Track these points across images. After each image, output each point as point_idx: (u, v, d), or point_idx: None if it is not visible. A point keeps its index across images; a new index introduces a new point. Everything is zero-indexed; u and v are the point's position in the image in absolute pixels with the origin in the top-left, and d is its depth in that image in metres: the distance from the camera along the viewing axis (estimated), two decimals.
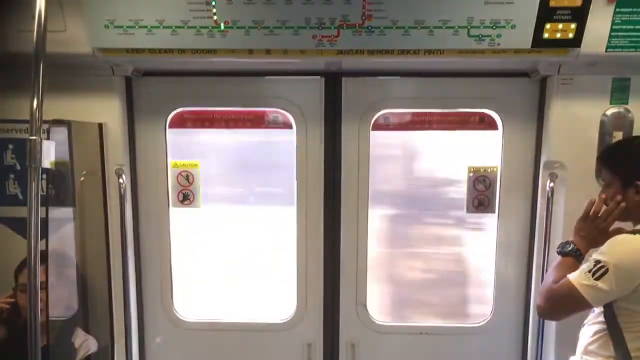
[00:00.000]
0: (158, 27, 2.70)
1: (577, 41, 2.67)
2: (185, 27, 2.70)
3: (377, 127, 3.25)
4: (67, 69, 2.88)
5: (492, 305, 3.36)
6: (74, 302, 3.16)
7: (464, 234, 3.49)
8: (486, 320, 3.38)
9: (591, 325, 2.46)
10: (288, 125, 3.26)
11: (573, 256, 2.49)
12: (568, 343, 2.64)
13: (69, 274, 3.18)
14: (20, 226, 2.95)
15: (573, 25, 2.62)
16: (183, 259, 3.49)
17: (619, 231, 2.44)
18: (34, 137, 2.08)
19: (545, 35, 2.65)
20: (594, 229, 2.49)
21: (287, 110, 3.23)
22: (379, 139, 3.27)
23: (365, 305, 3.38)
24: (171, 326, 3.47)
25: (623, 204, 2.40)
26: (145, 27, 2.70)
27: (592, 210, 2.50)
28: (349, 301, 3.38)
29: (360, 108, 3.19)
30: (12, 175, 3.10)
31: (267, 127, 3.36)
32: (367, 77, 3.17)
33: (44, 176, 2.46)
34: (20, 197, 3.08)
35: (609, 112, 2.92)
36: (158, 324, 3.48)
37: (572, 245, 2.51)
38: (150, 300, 3.45)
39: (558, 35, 2.65)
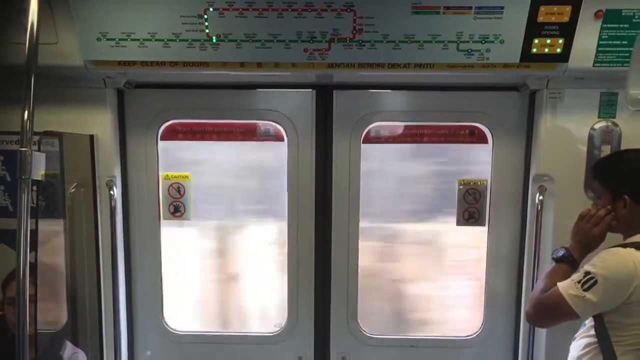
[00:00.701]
0: (150, 39, 2.71)
1: (565, 56, 2.70)
2: (177, 39, 2.71)
3: (368, 140, 3.26)
4: (59, 81, 2.89)
5: (482, 318, 3.36)
6: (63, 315, 3.13)
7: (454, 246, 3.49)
8: (477, 333, 3.37)
9: (582, 339, 2.47)
10: (279, 138, 3.27)
11: (566, 262, 2.50)
12: (558, 356, 2.67)
13: (58, 286, 3.14)
14: (9, 238, 2.92)
15: (561, 41, 2.66)
16: (174, 271, 3.47)
17: None
18: (24, 149, 2.08)
19: (534, 50, 2.69)
20: (585, 235, 2.50)
21: (278, 123, 3.24)
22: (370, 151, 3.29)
23: (356, 318, 3.37)
24: (162, 338, 3.44)
25: (613, 214, 2.44)
26: (138, 39, 2.71)
27: (586, 215, 2.53)
28: (340, 314, 3.37)
29: (352, 121, 3.21)
30: (2, 187, 3.09)
31: (258, 139, 3.36)
32: (358, 90, 3.19)
33: (34, 188, 2.46)
34: (10, 208, 3.07)
35: (597, 126, 2.94)
36: (148, 337, 3.45)
37: (565, 251, 2.52)
38: (141, 313, 3.43)
39: (546, 50, 2.69)
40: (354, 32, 2.67)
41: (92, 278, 3.18)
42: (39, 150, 2.19)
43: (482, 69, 2.76)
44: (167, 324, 3.43)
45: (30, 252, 2.17)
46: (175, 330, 3.44)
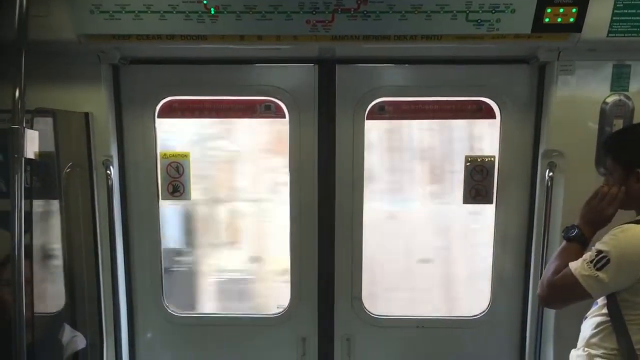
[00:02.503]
0: (145, 12, 2.61)
1: (578, 26, 2.61)
2: (174, 12, 2.61)
3: (372, 115, 3.18)
4: (51, 56, 2.79)
5: (489, 298, 3.31)
6: (61, 298, 3.07)
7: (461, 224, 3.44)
8: (484, 313, 3.33)
9: (594, 317, 2.43)
10: (281, 114, 3.19)
11: (577, 242, 2.45)
12: (567, 335, 2.63)
13: (56, 268, 3.09)
14: (2, 220, 2.87)
15: (574, 9, 2.57)
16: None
17: None
18: (16, 127, 2.02)
19: (546, 20, 2.59)
20: (599, 214, 2.45)
21: (280, 99, 3.15)
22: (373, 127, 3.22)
23: (360, 299, 3.33)
24: (162, 321, 3.40)
25: (623, 188, 2.39)
26: (132, 12, 2.61)
27: (597, 193, 2.47)
28: (343, 294, 3.33)
29: (355, 96, 3.13)
30: None
31: (259, 116, 3.28)
32: (362, 64, 3.11)
33: (28, 167, 2.39)
34: (4, 189, 2.99)
35: (609, 100, 2.87)
36: (148, 319, 3.41)
37: (576, 230, 2.48)
38: (140, 295, 3.38)
39: (559, 20, 2.59)
40: (359, 2, 2.58)
41: (90, 260, 3.13)
42: (31, 128, 2.12)
43: (492, 40, 2.67)
44: (167, 306, 3.38)
45: (25, 234, 2.11)
46: (175, 312, 3.39)
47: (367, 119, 3.16)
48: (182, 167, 3.25)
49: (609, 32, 2.64)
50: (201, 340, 3.40)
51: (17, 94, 2.04)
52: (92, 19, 2.63)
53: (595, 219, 2.47)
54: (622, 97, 2.86)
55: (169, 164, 3.24)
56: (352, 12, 2.60)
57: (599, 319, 2.40)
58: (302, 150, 3.18)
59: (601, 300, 2.40)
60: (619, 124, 2.86)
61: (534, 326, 3.13)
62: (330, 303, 3.34)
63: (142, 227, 3.30)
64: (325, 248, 3.27)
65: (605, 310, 2.35)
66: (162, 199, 3.28)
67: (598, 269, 2.23)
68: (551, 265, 2.47)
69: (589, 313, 2.50)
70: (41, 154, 2.52)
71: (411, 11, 2.59)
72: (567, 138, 2.92)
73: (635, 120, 2.86)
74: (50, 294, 3.06)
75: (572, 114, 2.91)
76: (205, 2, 2.58)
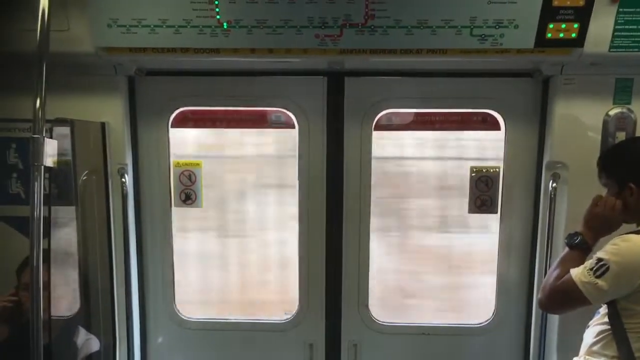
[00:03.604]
0: (161, 26, 2.70)
1: (580, 41, 2.66)
2: (188, 26, 2.69)
3: (380, 127, 3.25)
4: (70, 68, 2.89)
5: (494, 306, 3.35)
6: (76, 302, 3.15)
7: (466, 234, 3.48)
8: (488, 321, 3.37)
9: (595, 326, 2.45)
10: (290, 125, 3.26)
11: (579, 249, 2.48)
12: (571, 343, 2.64)
13: (71, 273, 3.16)
14: (22, 225, 2.94)
15: (576, 25, 2.62)
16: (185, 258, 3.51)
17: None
18: (36, 136, 2.09)
19: (548, 35, 2.65)
20: (601, 220, 2.48)
21: (289, 110, 3.23)
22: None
23: (367, 306, 3.38)
24: (173, 325, 3.47)
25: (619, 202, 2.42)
26: (148, 26, 2.70)
27: (600, 200, 2.50)
28: (351, 301, 3.38)
29: (363, 108, 3.19)
30: (14, 175, 3.10)
31: (269, 126, 3.36)
32: (370, 77, 3.17)
33: (47, 175, 2.47)
34: (23, 196, 3.08)
35: (611, 113, 2.91)
36: (160, 323, 3.48)
37: (579, 237, 2.50)
38: (153, 300, 3.45)
39: (561, 35, 2.64)
40: (366, 17, 2.64)
41: (104, 265, 3.20)
42: (50, 137, 2.19)
43: (495, 55, 2.73)
44: (178, 311, 3.45)
45: (43, 239, 2.17)
46: (186, 317, 3.46)
47: (375, 129, 3.22)
48: (195, 175, 3.33)
49: (611, 47, 2.68)
50: (210, 344, 3.46)
51: (37, 104, 2.10)
52: (109, 33, 2.73)
53: (597, 225, 2.50)
54: (624, 110, 2.91)
55: (182, 173, 3.33)
56: (359, 27, 2.67)
57: (600, 327, 2.42)
58: (310, 160, 3.24)
59: (603, 309, 2.42)
60: (621, 137, 2.90)
61: (538, 334, 3.16)
62: (338, 310, 3.39)
63: (155, 233, 3.38)
64: (333, 255, 3.33)
65: (606, 319, 2.37)
66: (175, 206, 3.36)
67: (597, 277, 2.25)
68: (553, 272, 2.49)
69: (591, 322, 2.51)
70: (59, 162, 2.60)
71: (417, 26, 2.65)
72: (570, 150, 2.97)
73: (638, 133, 2.90)
74: (66, 298, 3.14)
75: (575, 126, 2.95)
76: (218, 17, 2.67)
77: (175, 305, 3.44)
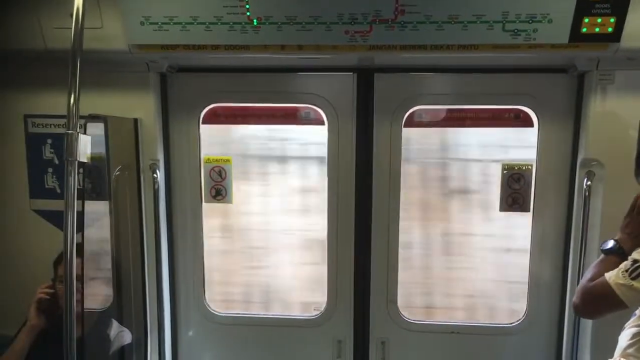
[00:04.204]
0: (192, 23, 2.73)
1: (616, 36, 2.59)
2: (219, 23, 2.71)
3: (410, 124, 3.23)
4: (103, 65, 2.94)
5: (526, 305, 3.30)
6: (110, 295, 3.21)
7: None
8: (520, 321, 3.32)
9: (631, 328, 2.39)
10: (320, 122, 3.27)
11: (616, 254, 2.41)
12: (604, 346, 2.57)
13: (105, 266, 3.23)
14: (58, 219, 3.01)
15: (612, 19, 2.55)
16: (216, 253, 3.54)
17: None
18: (71, 132, 2.13)
19: (583, 30, 2.58)
20: (637, 226, 2.41)
21: (319, 107, 3.23)
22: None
23: (395, 303, 3.36)
24: (203, 320, 3.51)
25: None
26: (180, 23, 2.73)
27: (636, 205, 2.42)
28: (379, 298, 3.37)
29: (393, 104, 3.18)
30: (50, 169, 3.19)
31: (299, 123, 3.37)
32: (400, 73, 3.15)
33: (81, 170, 2.52)
34: (58, 190, 3.16)
35: None
36: (190, 317, 3.53)
37: (614, 243, 2.43)
38: (183, 294, 3.50)
39: (597, 30, 2.58)
40: (396, 13, 2.62)
41: (136, 259, 3.27)
42: (84, 133, 2.23)
43: (528, 50, 2.68)
44: (208, 306, 3.49)
45: (77, 233, 2.22)
46: (216, 311, 3.50)
47: (405, 126, 3.21)
48: (225, 171, 3.37)
49: None
50: (240, 338, 3.50)
51: (71, 100, 2.14)
52: (142, 30, 2.77)
53: (635, 232, 2.42)
54: None
55: (212, 169, 3.37)
56: (389, 23, 2.65)
57: (635, 329, 2.36)
58: (340, 156, 3.24)
59: (638, 311, 2.37)
60: None
61: (570, 335, 3.11)
62: (366, 306, 3.39)
63: (186, 228, 3.42)
64: (362, 252, 3.33)
65: None
66: (205, 201, 3.40)
67: (633, 278, 2.18)
68: (587, 275, 2.44)
69: (627, 324, 2.46)
70: (93, 157, 2.66)
71: (448, 21, 2.62)
72: (606, 147, 2.90)
73: None
74: (100, 291, 3.21)
75: (611, 123, 2.88)
76: (248, 13, 2.68)
77: (206, 299, 3.49)
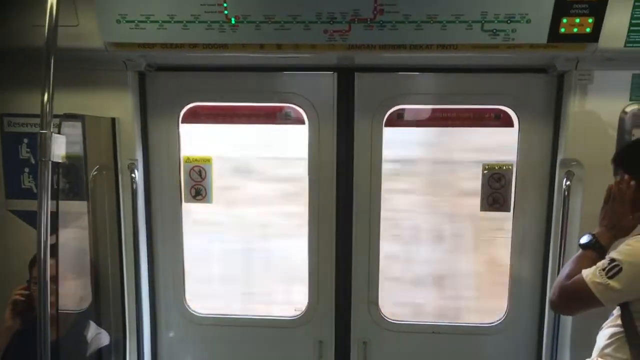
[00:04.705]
0: (169, 21, 2.70)
1: (594, 36, 2.60)
2: (196, 21, 2.69)
3: (390, 123, 3.21)
4: (80, 63, 2.92)
5: (506, 305, 3.31)
6: (87, 296, 3.17)
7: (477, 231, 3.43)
8: (500, 320, 3.32)
9: (608, 328, 2.41)
10: (301, 121, 3.24)
11: (593, 249, 2.42)
12: (584, 344, 2.59)
13: (83, 267, 3.19)
14: (35, 219, 2.98)
15: (590, 20, 2.56)
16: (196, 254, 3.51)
17: None
18: (44, 131, 2.10)
19: (562, 30, 2.60)
20: (614, 216, 2.42)
21: (299, 106, 3.21)
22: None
23: (377, 303, 3.36)
24: (183, 320, 3.48)
25: (633, 183, 2.35)
26: (157, 21, 2.70)
27: (608, 194, 2.45)
28: (360, 299, 3.36)
29: (374, 104, 3.16)
30: (26, 169, 3.15)
31: (279, 122, 3.35)
32: (380, 72, 3.14)
33: (58, 170, 2.49)
34: (35, 190, 3.11)
35: (628, 109, 2.85)
36: (170, 318, 3.50)
37: (591, 237, 2.44)
38: (163, 295, 3.47)
39: (575, 30, 2.59)
40: (375, 12, 2.62)
41: (115, 260, 3.23)
42: (59, 132, 2.20)
43: (507, 50, 2.68)
44: (188, 306, 3.46)
45: (51, 234, 2.19)
46: (196, 312, 3.47)
47: (385, 126, 3.19)
48: (205, 171, 3.34)
49: (627, 42, 2.63)
50: (220, 339, 3.48)
51: (45, 99, 2.11)
52: (118, 29, 2.74)
53: (611, 222, 2.43)
54: None
55: (192, 168, 3.33)
56: (368, 22, 2.64)
57: (612, 329, 2.37)
58: (320, 156, 3.23)
59: (616, 311, 2.37)
60: (638, 134, 2.84)
61: (550, 334, 3.11)
62: (347, 307, 3.38)
63: (165, 228, 3.39)
64: (343, 252, 3.31)
65: (619, 321, 2.32)
66: (185, 201, 3.37)
67: (610, 277, 2.19)
68: (564, 271, 2.44)
69: (604, 324, 2.47)
70: (70, 157, 2.63)
71: (427, 21, 2.62)
72: (585, 147, 2.91)
73: None
74: (78, 292, 3.18)
75: (590, 123, 2.89)
76: (226, 12, 2.66)
77: (185, 300, 3.46)
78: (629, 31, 2.60)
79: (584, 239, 2.47)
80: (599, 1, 2.51)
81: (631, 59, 2.74)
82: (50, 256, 2.24)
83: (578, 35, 2.61)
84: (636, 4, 2.55)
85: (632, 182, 2.36)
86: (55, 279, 2.55)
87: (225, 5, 2.64)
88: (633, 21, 2.58)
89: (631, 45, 2.63)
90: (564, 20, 2.57)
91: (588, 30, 2.59)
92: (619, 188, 2.41)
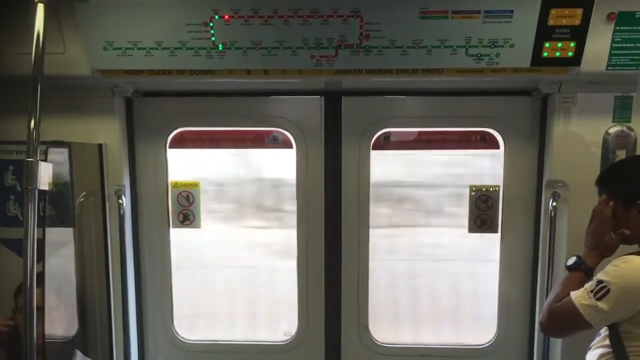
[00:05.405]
0: (156, 48, 2.71)
1: (577, 60, 2.65)
2: (184, 48, 2.70)
3: (378, 146, 3.23)
4: (67, 90, 2.91)
5: (496, 327, 3.30)
6: (74, 324, 3.13)
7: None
8: (490, 342, 3.32)
9: (597, 349, 2.40)
10: (288, 145, 3.25)
11: (580, 270, 2.42)
12: None
13: (69, 295, 3.15)
14: (20, 247, 2.93)
15: (572, 44, 2.61)
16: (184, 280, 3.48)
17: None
18: (30, 159, 2.08)
19: (545, 54, 2.64)
20: (597, 236, 2.42)
21: (287, 130, 3.22)
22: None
23: (367, 327, 3.34)
24: (172, 347, 3.44)
25: (611, 203, 2.37)
26: (144, 48, 2.71)
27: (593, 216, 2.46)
28: (350, 322, 3.34)
29: (361, 127, 3.18)
30: (12, 197, 3.10)
31: (267, 146, 3.35)
32: (367, 96, 3.17)
33: (44, 196, 2.47)
34: (21, 218, 3.06)
35: (611, 131, 2.89)
36: (158, 346, 3.45)
37: (576, 259, 2.44)
38: (151, 322, 3.43)
39: (557, 54, 2.64)
40: (361, 38, 2.65)
41: (101, 287, 3.19)
42: (45, 160, 2.18)
43: (492, 74, 2.72)
44: (177, 333, 3.42)
45: (37, 262, 2.16)
46: (185, 339, 3.43)
47: (373, 149, 3.21)
48: (193, 196, 3.33)
49: (608, 65, 2.67)
50: None
51: (32, 126, 2.10)
52: (105, 56, 2.75)
53: (594, 242, 2.43)
54: (624, 128, 2.88)
55: (180, 193, 3.32)
56: (354, 47, 2.67)
57: (601, 350, 2.37)
58: (308, 179, 3.23)
59: (604, 332, 2.37)
60: (621, 155, 2.87)
61: (540, 355, 3.11)
62: (338, 330, 3.36)
63: (153, 254, 3.36)
64: (332, 276, 3.30)
65: (607, 342, 2.32)
66: (173, 227, 3.36)
67: (598, 299, 2.20)
68: (553, 294, 2.45)
69: (592, 344, 2.46)
70: (57, 184, 2.61)
71: (412, 46, 2.65)
72: (570, 168, 2.94)
73: (639, 151, 2.87)
74: (64, 320, 3.13)
75: (574, 144, 2.93)
76: (213, 39, 2.68)
77: (174, 326, 3.42)
78: (610, 54, 2.65)
79: (570, 261, 2.48)
80: (580, 26, 2.56)
81: (613, 82, 2.79)
82: (37, 285, 2.21)
83: (560, 59, 2.65)
84: (616, 28, 2.60)
85: (611, 203, 2.38)
86: (41, 309, 2.51)
87: (212, 32, 2.65)
88: (614, 45, 2.63)
89: (612, 68, 2.68)
90: (547, 45, 2.62)
91: (570, 54, 2.63)
92: (599, 208, 2.43)
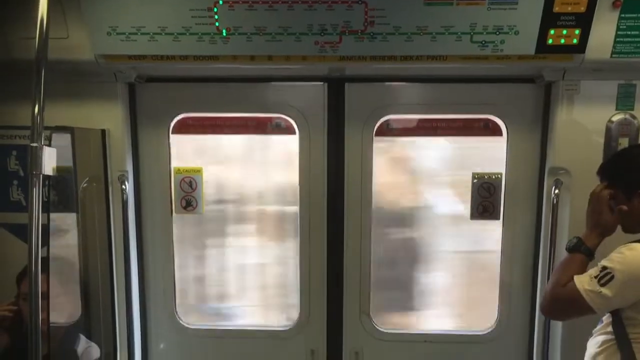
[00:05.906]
0: (160, 33, 2.70)
1: (581, 47, 2.65)
2: (187, 33, 2.70)
3: (381, 133, 3.23)
4: (70, 75, 2.90)
5: (497, 313, 3.32)
6: (77, 309, 3.15)
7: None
8: (491, 329, 3.34)
9: (599, 335, 2.42)
10: (291, 131, 3.25)
11: (580, 252, 2.44)
12: (575, 352, 2.62)
13: (72, 280, 3.17)
14: (23, 233, 2.93)
15: (577, 31, 2.61)
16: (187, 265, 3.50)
17: None
18: (34, 144, 2.08)
19: (549, 41, 2.63)
20: (593, 214, 2.46)
21: (290, 116, 3.22)
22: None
23: (368, 314, 3.36)
24: (174, 333, 3.46)
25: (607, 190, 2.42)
26: (148, 33, 2.70)
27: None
28: (352, 309, 3.36)
29: (364, 114, 3.18)
30: (15, 182, 3.11)
31: (270, 132, 3.35)
32: (371, 82, 3.16)
33: (47, 182, 2.47)
34: (24, 203, 3.08)
35: (614, 118, 2.89)
36: (161, 331, 3.47)
37: (576, 240, 2.46)
38: (154, 307, 3.44)
39: (562, 41, 2.63)
40: (365, 24, 2.64)
41: (105, 272, 3.21)
42: (49, 145, 2.18)
43: (496, 61, 2.72)
44: (179, 318, 3.44)
45: (42, 247, 2.16)
46: (187, 324, 3.45)
47: (376, 135, 3.21)
48: (195, 182, 3.33)
49: (613, 52, 2.67)
50: (212, 352, 3.45)
51: (35, 111, 2.09)
52: (109, 41, 2.73)
53: (593, 222, 2.46)
54: (627, 116, 2.88)
55: (183, 179, 3.32)
56: (359, 34, 2.66)
57: (603, 337, 2.39)
58: (311, 166, 3.23)
59: (606, 318, 2.39)
60: (624, 143, 2.88)
61: (541, 342, 3.14)
62: (339, 317, 3.37)
63: (155, 240, 3.37)
64: (335, 262, 3.31)
65: (610, 329, 2.34)
66: (176, 213, 3.36)
67: (602, 285, 2.21)
68: (554, 276, 2.45)
69: (595, 330, 2.49)
70: (59, 169, 2.60)
71: (417, 33, 2.64)
72: (572, 156, 2.94)
73: None
74: (67, 305, 3.15)
75: (577, 132, 2.93)
76: (217, 24, 2.67)
77: (177, 312, 3.43)
78: (615, 42, 2.64)
79: (571, 243, 2.49)
80: (585, 13, 2.56)
81: (617, 69, 2.78)
82: (41, 270, 2.21)
83: (565, 47, 2.65)
84: (622, 15, 2.59)
85: (606, 189, 2.43)
86: (46, 294, 2.52)
87: (216, 17, 2.64)
88: (619, 32, 2.62)
89: (617, 55, 2.67)
90: (552, 32, 2.61)
91: (575, 41, 2.63)
92: (594, 190, 2.47)
